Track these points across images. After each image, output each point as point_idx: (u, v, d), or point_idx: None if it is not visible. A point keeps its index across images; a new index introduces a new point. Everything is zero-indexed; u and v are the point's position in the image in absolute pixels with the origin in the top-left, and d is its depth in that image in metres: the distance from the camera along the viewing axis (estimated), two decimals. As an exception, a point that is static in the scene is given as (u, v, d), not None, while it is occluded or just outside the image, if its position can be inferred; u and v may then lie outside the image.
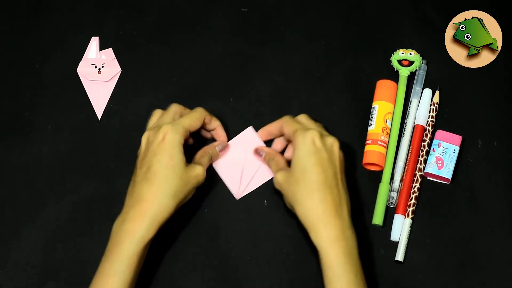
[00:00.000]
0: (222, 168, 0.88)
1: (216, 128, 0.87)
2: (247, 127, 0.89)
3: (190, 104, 0.91)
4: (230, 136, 0.89)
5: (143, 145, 0.81)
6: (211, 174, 0.88)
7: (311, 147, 0.79)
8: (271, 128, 0.87)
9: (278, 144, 0.88)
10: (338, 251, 0.75)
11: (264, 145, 0.89)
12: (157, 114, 0.85)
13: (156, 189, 0.78)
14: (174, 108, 0.85)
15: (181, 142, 0.80)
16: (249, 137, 0.89)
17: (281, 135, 0.87)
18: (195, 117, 0.84)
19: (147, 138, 0.81)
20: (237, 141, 0.89)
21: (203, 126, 0.86)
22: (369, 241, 0.85)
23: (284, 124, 0.84)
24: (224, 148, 0.87)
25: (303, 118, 0.85)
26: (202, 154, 0.85)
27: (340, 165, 0.80)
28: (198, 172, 0.81)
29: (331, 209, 0.76)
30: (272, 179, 0.86)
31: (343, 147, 0.88)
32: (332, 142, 0.81)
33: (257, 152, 0.88)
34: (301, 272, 0.84)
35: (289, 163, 0.83)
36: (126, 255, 0.75)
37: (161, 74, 0.94)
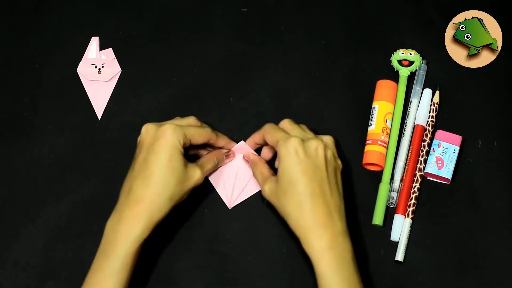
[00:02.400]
0: (215, 178, 0.87)
1: (225, 145, 0.86)
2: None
3: (190, 104, 0.91)
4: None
5: (142, 135, 0.80)
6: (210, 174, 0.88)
7: (295, 157, 0.77)
8: (255, 138, 0.86)
9: (266, 153, 0.87)
10: (329, 260, 0.74)
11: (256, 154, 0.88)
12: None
13: (153, 191, 0.77)
14: (190, 119, 0.84)
15: (181, 143, 0.79)
16: (242, 149, 0.88)
17: (267, 143, 0.85)
18: (200, 133, 0.82)
19: (146, 129, 0.80)
20: None
21: (209, 144, 0.85)
22: (369, 241, 0.85)
23: (266, 133, 0.82)
24: (230, 155, 0.87)
25: (286, 124, 0.83)
26: (209, 159, 0.84)
27: (327, 168, 0.78)
28: (197, 176, 0.80)
29: (320, 219, 0.75)
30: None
31: (343, 147, 0.88)
32: (316, 146, 0.78)
33: (244, 158, 0.87)
34: (301, 272, 0.84)
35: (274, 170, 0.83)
36: (122, 255, 0.75)
37: (161, 74, 0.94)
